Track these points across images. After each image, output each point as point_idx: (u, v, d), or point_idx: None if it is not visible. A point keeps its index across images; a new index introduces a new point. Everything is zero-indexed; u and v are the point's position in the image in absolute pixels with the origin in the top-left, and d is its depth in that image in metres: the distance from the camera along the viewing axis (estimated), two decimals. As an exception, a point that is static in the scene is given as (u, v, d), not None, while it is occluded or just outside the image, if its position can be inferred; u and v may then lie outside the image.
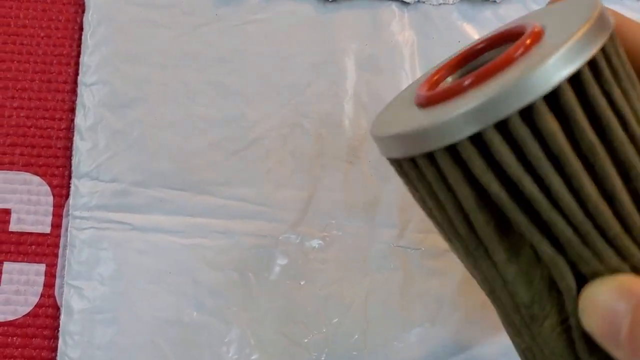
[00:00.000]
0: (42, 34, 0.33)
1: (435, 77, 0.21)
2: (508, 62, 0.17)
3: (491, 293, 0.19)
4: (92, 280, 0.30)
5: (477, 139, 0.16)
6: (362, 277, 0.31)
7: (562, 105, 0.16)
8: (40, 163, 0.32)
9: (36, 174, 0.32)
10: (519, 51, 0.17)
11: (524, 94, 0.15)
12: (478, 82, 0.17)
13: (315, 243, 0.31)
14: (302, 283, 0.30)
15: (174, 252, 0.30)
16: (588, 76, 0.16)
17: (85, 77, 0.32)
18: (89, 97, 0.32)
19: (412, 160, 0.18)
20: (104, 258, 0.30)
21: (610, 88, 0.16)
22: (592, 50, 0.16)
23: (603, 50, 0.16)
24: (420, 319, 0.30)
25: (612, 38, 0.17)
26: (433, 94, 0.18)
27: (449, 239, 0.20)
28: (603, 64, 0.16)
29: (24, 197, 0.31)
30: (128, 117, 0.32)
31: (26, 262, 0.31)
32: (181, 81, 0.33)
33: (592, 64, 0.16)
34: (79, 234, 0.31)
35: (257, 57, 0.33)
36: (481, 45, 0.21)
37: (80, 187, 0.31)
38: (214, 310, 0.30)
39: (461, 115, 0.16)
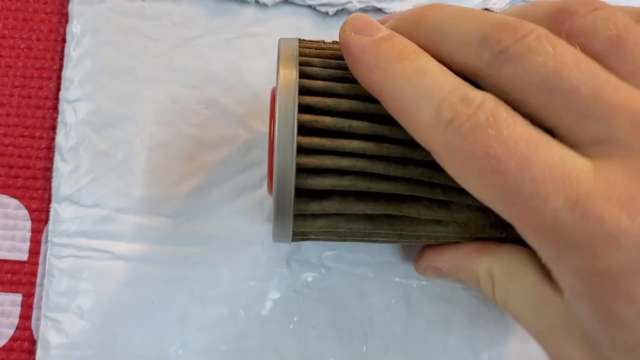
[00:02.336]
0: (22, 45, 0.31)
1: (270, 155, 0.24)
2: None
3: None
4: (70, 313, 0.28)
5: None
6: (361, 313, 0.29)
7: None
8: (18, 185, 0.30)
9: (13, 196, 0.30)
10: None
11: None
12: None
13: (310, 275, 0.29)
14: (295, 319, 0.28)
15: (160, 284, 0.28)
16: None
17: (68, 92, 0.30)
18: (71, 114, 0.30)
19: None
20: (84, 289, 0.28)
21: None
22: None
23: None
24: (423, 358, 0.28)
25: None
26: (268, 186, 0.24)
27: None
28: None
29: (0, 222, 0.29)
30: (113, 137, 0.30)
31: (1, 291, 0.29)
32: (171, 98, 0.30)
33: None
34: (57, 263, 0.29)
35: (252, 73, 0.31)
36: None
37: (60, 211, 0.29)
38: (202, 349, 0.28)
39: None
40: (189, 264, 0.29)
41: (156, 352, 0.28)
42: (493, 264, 0.21)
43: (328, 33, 0.31)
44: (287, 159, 0.19)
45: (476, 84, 0.18)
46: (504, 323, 0.29)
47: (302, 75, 0.21)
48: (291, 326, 0.28)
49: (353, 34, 0.20)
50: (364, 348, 0.28)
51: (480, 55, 0.18)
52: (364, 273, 0.29)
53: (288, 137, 0.19)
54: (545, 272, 0.18)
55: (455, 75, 0.18)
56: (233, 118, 0.30)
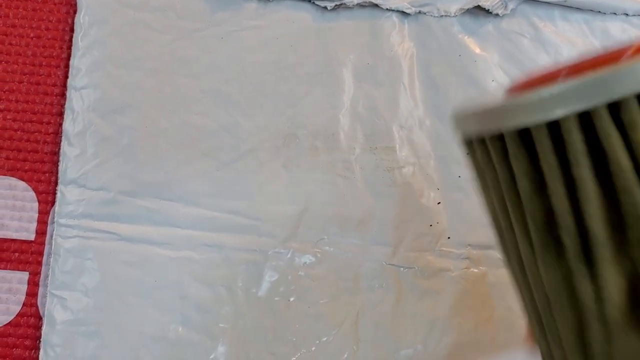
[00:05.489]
0: (31, 35, 0.32)
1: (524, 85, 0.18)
2: (612, 59, 0.15)
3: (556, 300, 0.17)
4: (75, 290, 0.29)
5: (583, 119, 0.14)
6: (354, 296, 0.30)
7: None
8: (26, 168, 0.31)
9: (22, 179, 0.31)
10: (626, 54, 0.15)
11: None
12: (579, 71, 0.15)
13: (306, 259, 0.30)
14: (291, 300, 0.30)
15: (161, 264, 0.30)
16: None
17: (75, 80, 0.31)
18: (78, 101, 0.31)
19: (500, 139, 0.16)
20: (89, 268, 0.30)
21: None
22: None
23: None
24: (411, 340, 0.30)
25: None
26: (531, 80, 0.16)
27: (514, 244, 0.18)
28: None
29: (9, 203, 0.31)
30: (118, 124, 0.31)
31: (9, 269, 0.30)
32: (175, 88, 0.32)
33: None
34: (63, 243, 0.30)
35: (253, 65, 0.32)
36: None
37: (66, 194, 0.30)
38: (201, 326, 0.29)
39: (571, 89, 0.14)
40: (190, 245, 0.30)
41: (157, 329, 0.29)
42: None
43: (327, 26, 0.33)
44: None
45: None
46: (489, 309, 0.30)
47: None
48: (287, 306, 0.30)
49: None
50: (356, 328, 0.30)
51: None
52: (357, 257, 0.30)
53: None
54: None
55: None
56: (233, 107, 0.31)
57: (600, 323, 0.16)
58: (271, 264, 0.30)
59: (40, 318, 0.30)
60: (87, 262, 0.30)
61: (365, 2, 0.33)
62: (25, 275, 0.30)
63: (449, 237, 0.30)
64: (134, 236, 0.30)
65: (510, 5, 0.34)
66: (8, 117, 0.31)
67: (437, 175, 0.31)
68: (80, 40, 0.32)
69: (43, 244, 0.30)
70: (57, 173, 0.31)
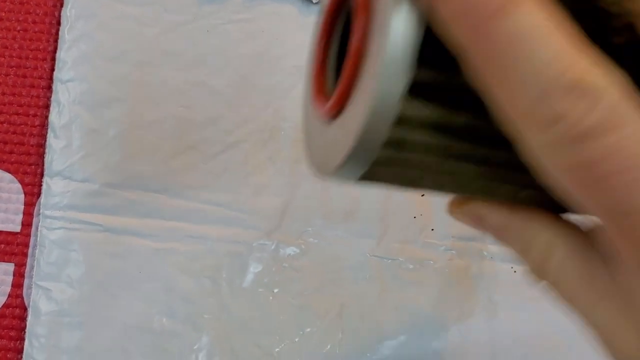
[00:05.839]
0: (18, 27, 0.32)
1: (318, 75, 0.19)
2: (358, 55, 0.15)
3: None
4: (60, 282, 0.29)
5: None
6: (338, 287, 0.30)
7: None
8: (12, 160, 0.31)
9: (7, 171, 0.31)
10: (357, 42, 0.15)
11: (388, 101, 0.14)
12: (352, 80, 0.16)
13: (291, 250, 0.30)
14: (275, 291, 0.30)
15: (146, 256, 0.30)
16: None
17: (61, 73, 0.32)
18: (64, 94, 0.31)
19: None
20: (74, 260, 0.30)
21: None
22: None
23: None
24: (395, 331, 0.30)
25: None
26: (331, 107, 0.17)
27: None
28: None
29: (-5, 195, 0.31)
30: (104, 116, 0.31)
31: (-6, 261, 0.30)
32: (161, 80, 0.32)
33: None
34: (49, 234, 0.30)
35: (239, 57, 0.32)
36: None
37: (52, 185, 0.30)
38: (185, 318, 0.29)
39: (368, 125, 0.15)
40: (175, 237, 0.30)
41: (142, 320, 0.29)
42: (554, 238, 0.20)
43: (313, 19, 0.33)
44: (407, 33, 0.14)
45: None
46: (472, 299, 0.30)
47: None
48: (271, 298, 0.30)
49: None
50: (340, 319, 0.30)
51: None
52: (342, 249, 0.31)
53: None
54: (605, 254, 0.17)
55: (571, 35, 0.13)
56: (219, 99, 0.32)
57: None
58: (255, 256, 0.30)
59: (25, 309, 0.30)
60: (72, 253, 0.30)
61: (351, -4, 0.33)
62: (10, 267, 0.30)
63: (432, 229, 0.31)
64: (119, 228, 0.30)
65: None
66: (-6, 109, 0.32)
67: (421, 168, 0.31)
68: (66, 33, 0.32)
69: (29, 235, 0.31)
70: (42, 165, 0.31)
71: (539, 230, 0.20)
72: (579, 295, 0.18)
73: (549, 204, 0.19)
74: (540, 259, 0.20)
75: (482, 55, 0.13)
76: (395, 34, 0.14)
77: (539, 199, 0.19)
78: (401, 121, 0.15)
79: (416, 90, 0.15)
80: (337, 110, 0.17)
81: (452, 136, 0.16)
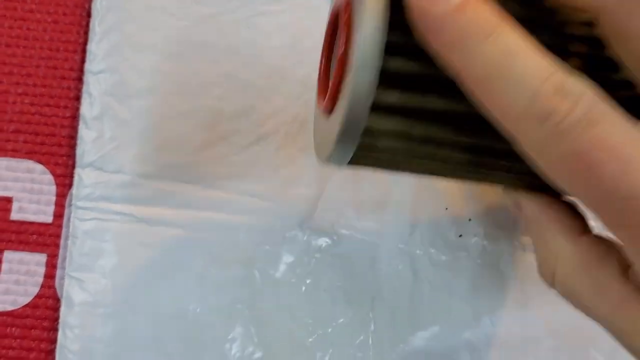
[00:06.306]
0: (49, 20, 0.33)
1: (322, 78, 0.23)
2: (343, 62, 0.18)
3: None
4: (93, 272, 0.30)
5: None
6: (370, 278, 0.30)
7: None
8: (44, 151, 0.31)
9: (39, 162, 0.31)
10: (342, 49, 0.18)
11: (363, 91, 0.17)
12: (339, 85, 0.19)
13: (323, 241, 0.30)
14: (307, 282, 0.30)
15: (179, 246, 0.30)
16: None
17: (92, 65, 0.32)
18: (95, 85, 0.31)
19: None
20: (107, 250, 0.30)
21: None
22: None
23: None
24: (427, 322, 0.30)
25: None
26: (326, 104, 0.20)
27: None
28: None
29: (27, 186, 0.31)
30: (135, 108, 0.31)
31: (27, 251, 0.30)
32: (192, 72, 0.32)
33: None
34: (81, 225, 0.30)
35: (270, 49, 0.32)
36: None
37: (84, 177, 0.30)
38: (218, 307, 0.29)
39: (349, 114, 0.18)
40: (207, 227, 0.30)
41: (175, 310, 0.29)
42: (571, 252, 0.20)
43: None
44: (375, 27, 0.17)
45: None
46: (504, 290, 0.30)
47: None
48: (303, 288, 0.30)
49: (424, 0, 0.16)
50: (371, 312, 0.30)
51: None
52: (373, 241, 0.31)
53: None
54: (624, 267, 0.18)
55: (547, 53, 0.16)
56: (250, 91, 0.32)
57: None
58: (288, 247, 0.30)
59: (58, 300, 0.30)
60: (105, 244, 0.30)
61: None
62: (43, 258, 0.30)
63: (469, 219, 0.31)
64: (151, 218, 0.30)
65: None
66: (26, 101, 0.32)
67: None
68: (97, 25, 0.32)
69: (61, 226, 0.31)
70: (74, 156, 0.31)
71: (553, 235, 0.21)
72: (593, 308, 0.19)
73: (541, 189, 0.21)
74: (550, 263, 0.21)
75: (476, 72, 0.16)
76: (362, 39, 0.17)
77: (532, 184, 0.21)
78: (379, 108, 0.17)
79: (390, 80, 0.17)
80: (331, 106, 0.19)
81: (430, 122, 0.18)
